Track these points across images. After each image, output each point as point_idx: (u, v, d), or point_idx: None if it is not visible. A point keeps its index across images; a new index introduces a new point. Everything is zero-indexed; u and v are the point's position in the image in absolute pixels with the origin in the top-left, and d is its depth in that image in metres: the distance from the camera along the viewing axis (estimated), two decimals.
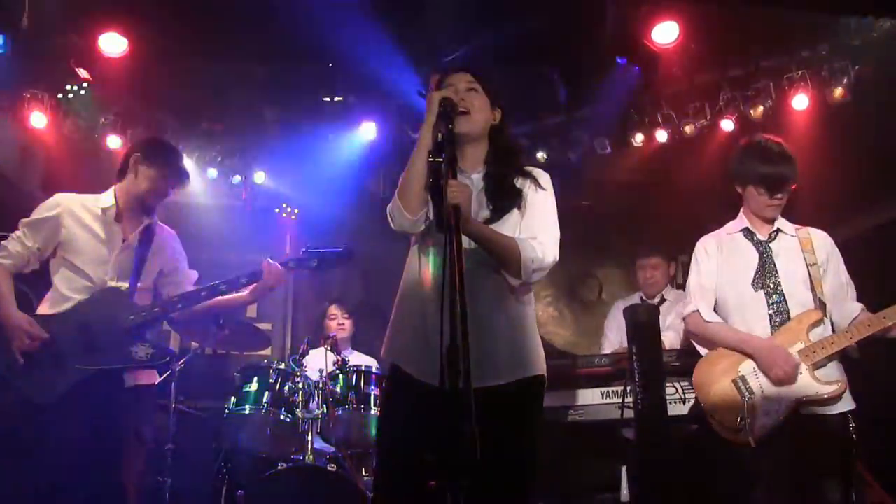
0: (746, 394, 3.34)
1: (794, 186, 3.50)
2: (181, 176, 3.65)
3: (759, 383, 3.35)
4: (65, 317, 3.35)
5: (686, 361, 3.99)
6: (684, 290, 3.90)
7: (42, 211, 3.48)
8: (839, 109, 5.37)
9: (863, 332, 3.31)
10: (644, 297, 5.37)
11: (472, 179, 2.74)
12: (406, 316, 2.69)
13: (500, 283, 2.64)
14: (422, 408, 2.47)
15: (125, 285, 3.47)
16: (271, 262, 3.55)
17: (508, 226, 2.67)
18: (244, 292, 3.60)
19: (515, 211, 2.70)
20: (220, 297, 3.57)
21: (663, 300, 5.21)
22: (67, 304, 3.38)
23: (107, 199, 3.54)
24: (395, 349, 2.69)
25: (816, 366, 3.32)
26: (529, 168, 2.84)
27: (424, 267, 2.66)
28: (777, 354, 3.33)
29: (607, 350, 5.27)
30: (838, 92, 5.35)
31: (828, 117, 5.44)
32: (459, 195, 2.34)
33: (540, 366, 2.67)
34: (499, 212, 2.66)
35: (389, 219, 2.65)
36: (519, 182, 2.76)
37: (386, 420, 2.73)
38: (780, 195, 3.48)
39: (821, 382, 3.29)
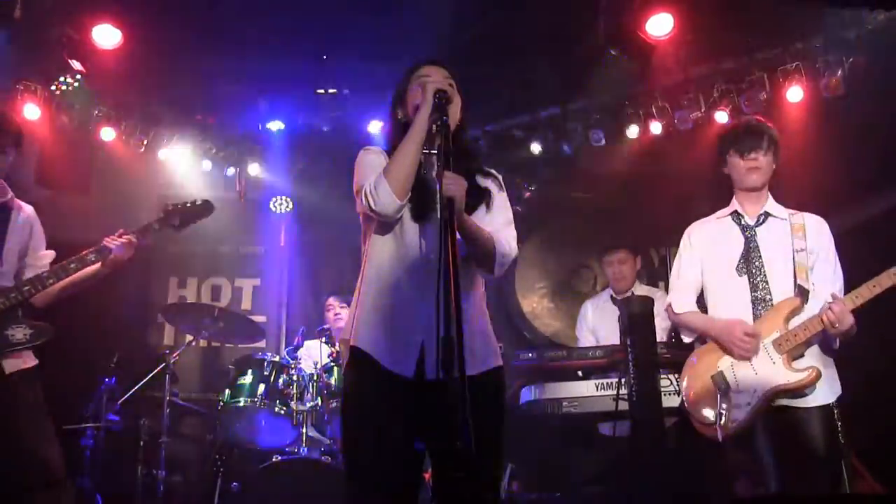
0: (723, 387, 3.35)
1: (769, 153, 3.49)
2: (11, 141, 3.47)
3: (734, 377, 3.36)
4: None
5: (681, 354, 4.02)
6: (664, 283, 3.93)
7: None
8: (833, 101, 5.37)
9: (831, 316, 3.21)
10: (614, 294, 5.38)
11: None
12: (378, 304, 2.65)
13: (470, 275, 2.68)
14: (393, 398, 2.51)
15: None
16: (113, 237, 3.51)
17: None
18: (97, 266, 3.52)
19: (483, 208, 2.73)
20: (79, 273, 3.48)
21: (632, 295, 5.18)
22: None
23: None
24: (364, 336, 2.63)
25: (792, 355, 3.30)
26: (487, 168, 2.88)
27: (401, 255, 2.64)
28: (732, 331, 3.36)
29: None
30: (832, 84, 5.35)
31: (822, 109, 5.44)
32: (454, 188, 2.36)
33: (500, 356, 2.71)
34: (468, 209, 2.65)
35: (369, 200, 2.57)
36: (481, 181, 2.80)
37: (357, 409, 2.62)
38: (753, 155, 3.48)
39: (792, 371, 3.26)
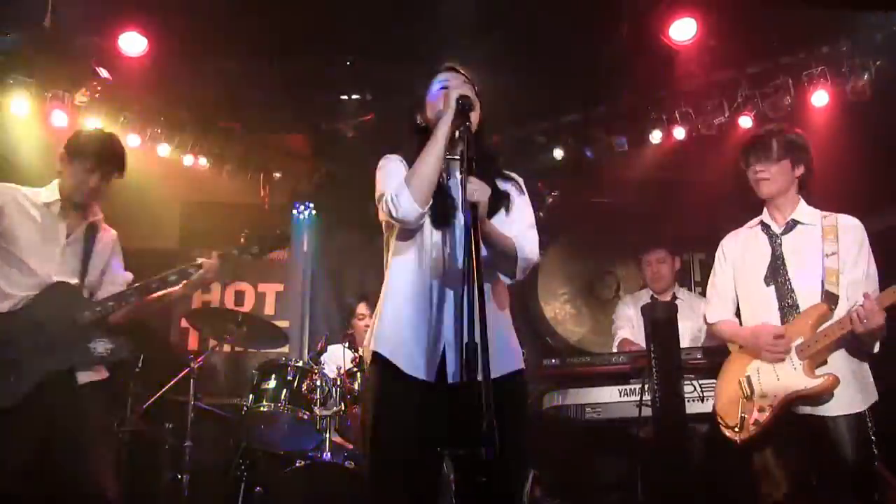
0: (748, 392, 3.35)
1: (784, 160, 3.45)
2: (109, 166, 3.48)
3: (759, 381, 3.34)
4: (16, 315, 3.25)
5: (705, 360, 4.00)
6: (702, 288, 3.92)
7: None
8: (860, 106, 5.31)
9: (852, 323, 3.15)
10: (653, 294, 5.33)
11: (456, 178, 2.76)
12: (398, 309, 2.67)
13: (492, 278, 2.71)
14: (414, 402, 2.53)
15: (75, 280, 3.39)
16: (205, 259, 3.58)
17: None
18: (178, 287, 3.59)
19: (502, 212, 2.74)
20: (158, 293, 3.55)
21: (675, 298, 5.14)
22: (9, 301, 3.27)
23: (50, 193, 3.44)
24: (384, 342, 2.65)
25: (815, 361, 3.24)
26: (508, 172, 2.89)
27: (425, 261, 2.66)
28: (760, 337, 3.34)
29: (616, 343, 5.24)
30: (859, 88, 5.30)
31: (848, 114, 5.38)
32: (479, 193, 2.37)
33: (521, 360, 2.71)
34: (487, 213, 2.65)
35: (391, 207, 2.60)
36: (501, 185, 2.80)
37: (380, 413, 2.64)
38: (759, 167, 3.47)
39: (811, 377, 3.21)
